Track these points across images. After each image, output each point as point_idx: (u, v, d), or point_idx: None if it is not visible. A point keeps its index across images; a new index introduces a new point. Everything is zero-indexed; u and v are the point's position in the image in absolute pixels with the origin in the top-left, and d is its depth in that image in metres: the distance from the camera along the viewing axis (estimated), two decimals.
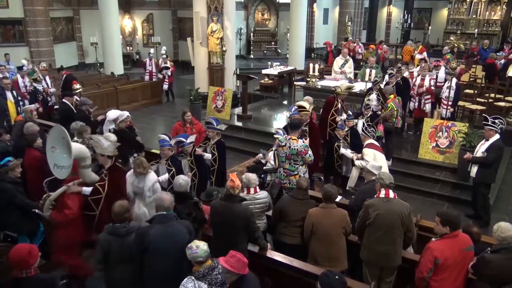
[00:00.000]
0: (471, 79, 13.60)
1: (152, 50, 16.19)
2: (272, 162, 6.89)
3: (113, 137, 6.49)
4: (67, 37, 19.40)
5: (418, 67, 10.42)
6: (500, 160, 7.01)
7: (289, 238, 5.08)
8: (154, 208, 5.19)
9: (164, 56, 14.92)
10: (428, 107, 9.75)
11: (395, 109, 8.14)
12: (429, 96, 9.68)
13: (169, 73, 14.50)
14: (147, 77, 14.84)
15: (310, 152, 6.31)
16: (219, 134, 6.81)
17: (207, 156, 6.65)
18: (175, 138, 6.43)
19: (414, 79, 10.08)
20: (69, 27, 19.52)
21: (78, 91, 9.63)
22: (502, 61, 13.55)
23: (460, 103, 11.20)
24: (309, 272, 4.39)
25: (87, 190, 5.02)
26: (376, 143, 6.92)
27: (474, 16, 22.44)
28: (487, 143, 6.86)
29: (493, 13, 22.21)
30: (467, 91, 12.12)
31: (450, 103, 9.32)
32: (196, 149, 6.49)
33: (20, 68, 11.37)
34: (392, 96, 8.33)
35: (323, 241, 4.76)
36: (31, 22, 16.20)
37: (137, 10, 21.51)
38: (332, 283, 3.23)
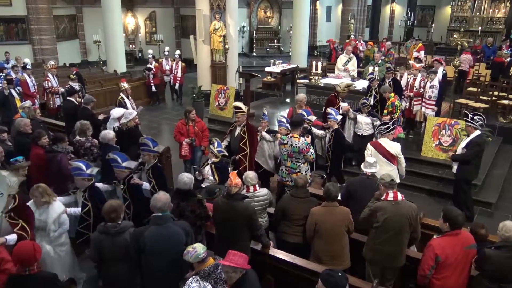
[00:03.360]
0: (475, 77, 13.56)
1: (178, 52, 15.04)
2: (211, 177, 6.00)
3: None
4: (70, 35, 19.45)
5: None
6: (480, 156, 6.93)
7: (291, 237, 5.10)
8: (62, 245, 4.93)
9: (150, 56, 14.46)
10: (415, 108, 9.52)
11: (401, 106, 8.11)
12: (418, 98, 9.48)
13: (152, 75, 13.77)
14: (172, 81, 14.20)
15: (312, 150, 6.33)
16: (155, 157, 5.67)
17: (146, 186, 5.45)
18: (112, 154, 5.45)
19: (407, 79, 9.87)
20: (72, 25, 19.55)
21: (124, 88, 8.94)
22: (509, 59, 13.47)
23: (463, 100, 11.18)
24: (311, 270, 4.40)
25: (11, 239, 4.32)
26: (384, 143, 6.64)
27: (477, 13, 22.33)
28: (467, 140, 6.88)
29: (497, 10, 22.09)
30: (470, 89, 12.08)
31: (433, 102, 9.17)
32: (133, 176, 5.45)
33: (23, 67, 11.25)
34: (392, 94, 8.26)
35: (326, 239, 4.76)
36: (34, 20, 16.23)
37: (140, 8, 21.53)
38: (336, 281, 3.21)
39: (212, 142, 6.24)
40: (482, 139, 6.89)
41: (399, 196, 4.57)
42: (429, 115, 9.08)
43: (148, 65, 14.00)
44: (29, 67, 11.28)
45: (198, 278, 3.51)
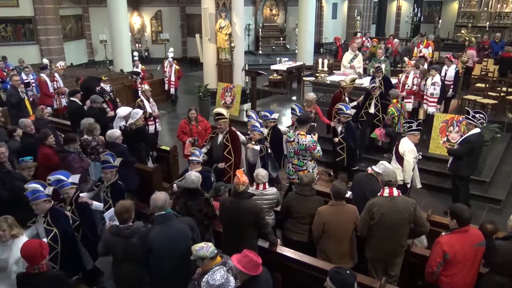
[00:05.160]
0: (483, 72, 13.45)
1: (171, 54, 13.75)
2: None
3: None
4: (76, 35, 19.57)
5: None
6: (475, 154, 6.82)
7: (295, 235, 5.09)
8: None
9: (136, 58, 13.84)
10: (406, 106, 9.09)
11: (396, 114, 7.93)
12: (409, 96, 9.32)
13: (139, 79, 12.49)
14: (166, 86, 13.78)
15: (318, 147, 6.32)
16: (115, 174, 5.24)
17: (96, 205, 5.07)
18: (52, 175, 4.88)
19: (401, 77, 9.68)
20: (78, 25, 19.67)
21: (143, 90, 8.66)
22: None
23: (471, 97, 11.09)
24: (320, 268, 4.39)
25: None
26: (401, 141, 6.57)
27: (485, 9, 22.14)
28: (464, 136, 6.85)
29: (504, 5, 21.87)
30: (478, 85, 11.98)
31: (435, 99, 8.95)
32: (80, 195, 4.99)
33: (43, 68, 11.13)
34: (394, 100, 8.11)
35: (335, 238, 4.74)
36: (41, 21, 16.32)
37: (146, 7, 21.61)
38: (345, 279, 3.22)
39: (193, 152, 5.80)
40: (478, 137, 6.73)
41: (395, 192, 4.53)
42: (431, 113, 8.96)
43: (135, 69, 13.33)
44: (48, 67, 11.27)
45: (223, 267, 3.42)
